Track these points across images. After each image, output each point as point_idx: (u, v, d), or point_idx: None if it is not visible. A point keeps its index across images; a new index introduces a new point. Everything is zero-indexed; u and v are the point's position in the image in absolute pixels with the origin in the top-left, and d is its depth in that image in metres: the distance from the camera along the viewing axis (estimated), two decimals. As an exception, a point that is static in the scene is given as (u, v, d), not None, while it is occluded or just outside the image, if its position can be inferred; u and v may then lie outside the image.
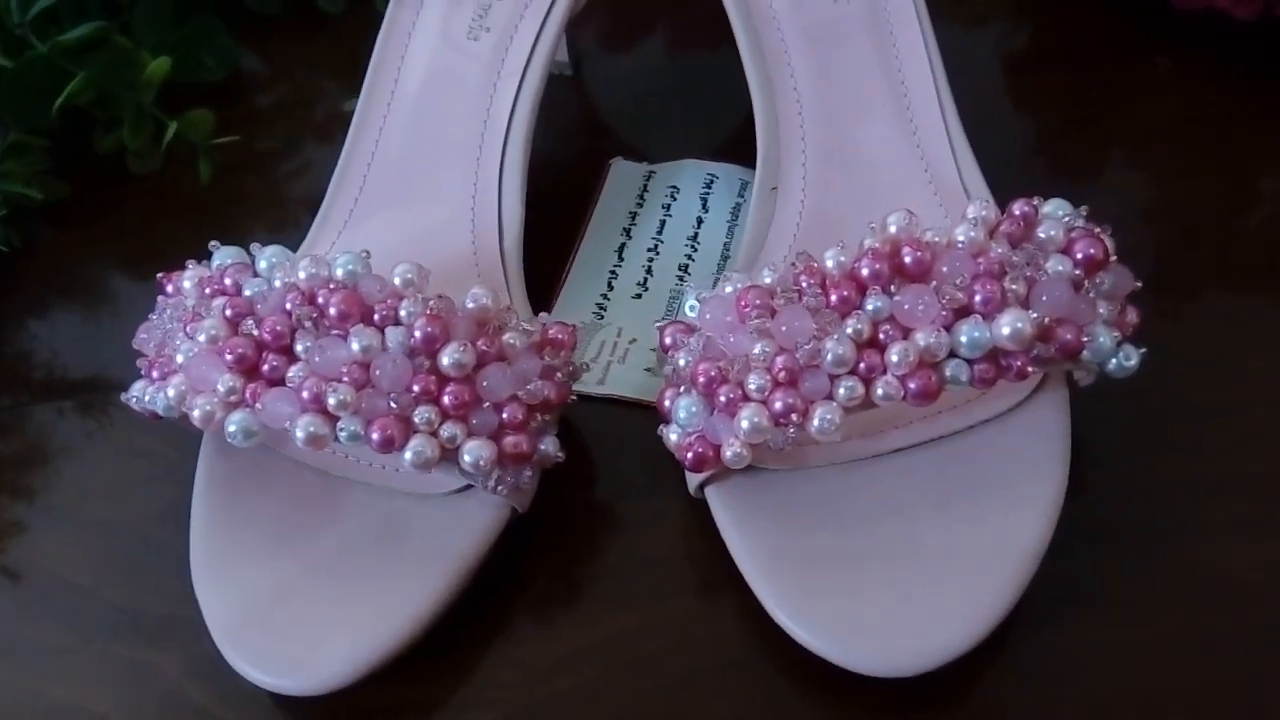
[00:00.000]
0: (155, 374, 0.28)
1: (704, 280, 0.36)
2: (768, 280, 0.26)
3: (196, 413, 0.27)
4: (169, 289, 0.30)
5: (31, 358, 0.39)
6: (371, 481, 0.29)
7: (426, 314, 0.26)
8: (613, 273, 0.36)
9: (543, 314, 0.29)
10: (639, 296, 0.36)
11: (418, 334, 0.26)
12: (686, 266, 0.36)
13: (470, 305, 0.27)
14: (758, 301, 0.26)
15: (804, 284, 0.26)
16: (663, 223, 0.38)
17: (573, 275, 0.37)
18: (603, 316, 0.35)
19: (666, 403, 0.27)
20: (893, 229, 0.26)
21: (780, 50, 0.35)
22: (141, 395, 0.29)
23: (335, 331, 0.27)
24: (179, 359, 0.27)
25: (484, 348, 0.27)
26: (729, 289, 0.27)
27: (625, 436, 0.33)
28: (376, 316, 0.27)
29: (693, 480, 0.28)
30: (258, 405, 0.26)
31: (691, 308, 0.27)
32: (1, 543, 0.32)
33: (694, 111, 0.44)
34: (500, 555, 0.29)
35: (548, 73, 0.36)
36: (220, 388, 0.27)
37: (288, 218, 0.43)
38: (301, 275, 0.27)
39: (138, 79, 0.40)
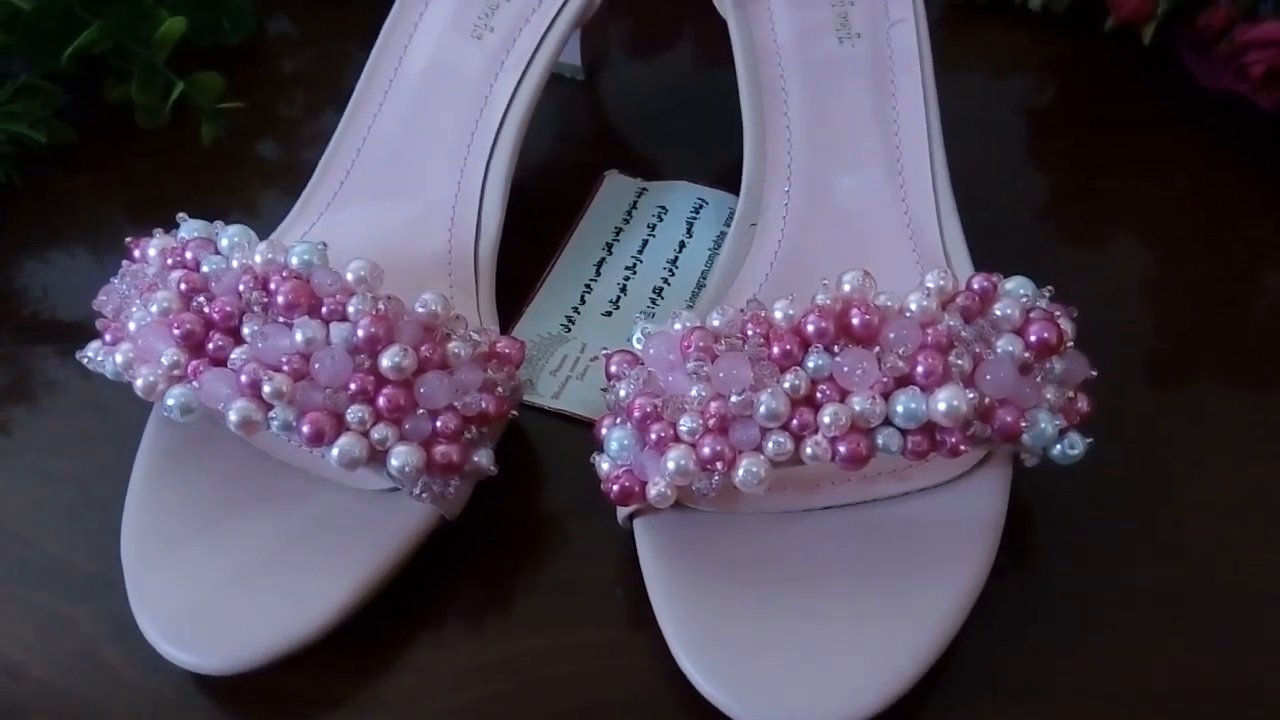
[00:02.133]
0: (108, 337, 0.28)
1: (676, 306, 0.35)
2: (716, 323, 0.26)
3: (139, 382, 0.27)
4: (135, 254, 0.30)
5: (21, 296, 0.40)
6: (309, 470, 0.29)
7: (373, 313, 0.26)
8: (587, 287, 0.36)
9: (490, 327, 0.29)
10: (609, 314, 0.35)
11: (361, 332, 0.26)
12: (661, 290, 0.36)
13: (419, 310, 0.27)
14: (700, 344, 0.26)
15: (749, 332, 0.26)
16: (645, 242, 0.37)
17: (548, 284, 0.37)
18: (569, 330, 0.35)
19: (602, 430, 0.27)
20: (846, 288, 0.26)
21: (779, 86, 0.34)
22: (95, 355, 0.29)
23: (282, 319, 0.27)
24: (131, 326, 0.28)
25: (427, 354, 0.27)
26: (677, 326, 0.27)
27: (573, 454, 0.33)
28: (324, 309, 0.27)
29: (621, 511, 0.28)
30: (195, 383, 0.26)
31: (638, 340, 0.27)
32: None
33: (703, 131, 0.44)
34: (427, 559, 0.29)
35: (545, 80, 0.36)
36: (164, 360, 0.27)
37: (291, 185, 0.42)
38: (258, 259, 0.28)
39: (151, 35, 0.41)
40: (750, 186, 0.33)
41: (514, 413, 0.29)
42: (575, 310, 0.36)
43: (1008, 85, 0.45)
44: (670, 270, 0.37)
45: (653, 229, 0.38)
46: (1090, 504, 0.31)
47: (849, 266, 0.29)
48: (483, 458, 0.28)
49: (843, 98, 0.34)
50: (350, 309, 0.27)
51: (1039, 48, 0.46)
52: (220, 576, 0.27)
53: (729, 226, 0.38)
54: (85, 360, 0.29)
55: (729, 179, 0.41)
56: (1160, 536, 0.30)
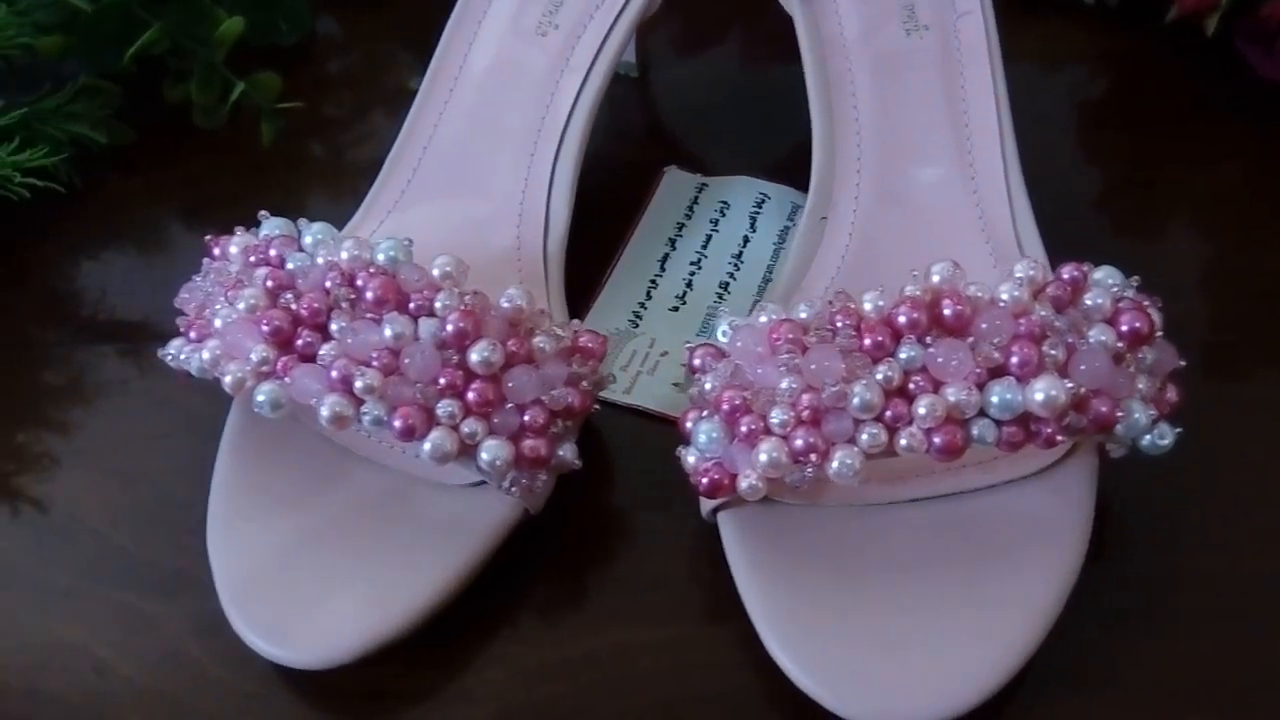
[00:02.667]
0: (193, 334, 0.28)
1: (743, 300, 0.35)
2: (803, 315, 0.26)
3: (228, 379, 0.27)
4: (215, 252, 0.30)
5: (80, 297, 0.40)
6: (391, 465, 0.29)
7: (461, 309, 0.27)
8: (653, 282, 0.36)
9: (575, 320, 0.29)
10: (676, 309, 0.35)
11: (450, 328, 0.26)
12: (727, 285, 0.36)
13: (505, 305, 0.27)
14: (790, 336, 0.26)
15: (839, 324, 0.26)
16: (709, 237, 0.37)
17: (612, 280, 0.37)
18: (637, 325, 0.35)
19: (688, 424, 0.27)
20: (935, 279, 0.26)
21: (846, 78, 0.34)
22: (178, 353, 0.29)
23: (370, 315, 0.27)
24: (217, 323, 0.28)
25: (513, 348, 0.27)
26: (763, 319, 0.27)
27: (646, 449, 0.33)
28: (412, 305, 0.27)
29: (706, 504, 0.28)
30: (287, 379, 0.27)
31: (724, 333, 0.27)
32: (28, 476, 0.33)
33: (755, 127, 0.44)
34: (507, 554, 0.29)
35: (611, 75, 0.36)
36: (253, 357, 0.27)
37: (345, 186, 0.43)
38: (344, 255, 0.28)
39: (210, 35, 0.41)
40: (820, 181, 0.33)
41: (595, 406, 0.29)
42: (642, 305, 0.36)
43: (1061, 78, 0.45)
44: (735, 265, 0.37)
45: (715, 224, 0.38)
46: (1161, 495, 0.30)
47: (921, 259, 0.29)
48: (567, 451, 0.28)
49: (911, 90, 0.34)
50: (437, 304, 0.27)
51: (1092, 41, 0.46)
52: (309, 572, 0.27)
53: (793, 221, 0.38)
54: (168, 358, 0.29)
55: (788, 173, 0.41)
56: (1237, 528, 0.30)
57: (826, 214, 0.33)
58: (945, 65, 0.34)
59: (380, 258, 0.28)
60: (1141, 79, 0.44)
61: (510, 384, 0.27)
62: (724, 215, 0.38)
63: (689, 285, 0.36)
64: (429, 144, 0.36)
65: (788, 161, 0.42)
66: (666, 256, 0.37)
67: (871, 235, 0.32)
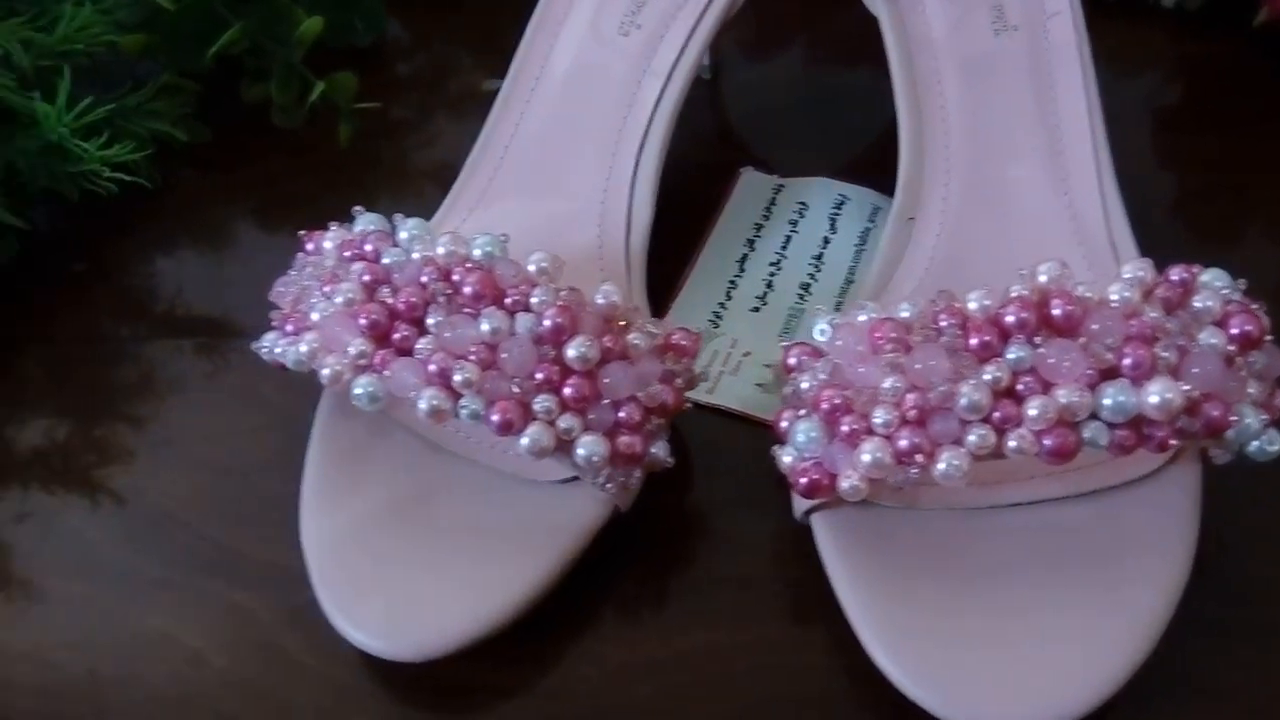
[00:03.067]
0: (289, 328, 0.29)
1: (825, 300, 0.35)
2: (905, 314, 0.26)
3: (325, 371, 0.27)
4: (309, 247, 0.30)
5: (156, 293, 0.40)
6: (480, 460, 0.29)
7: (558, 304, 0.27)
8: (732, 283, 0.36)
9: (668, 318, 0.29)
10: (757, 310, 0.35)
11: (547, 323, 0.26)
12: (808, 286, 0.36)
13: (600, 301, 0.27)
14: (894, 335, 0.25)
15: (943, 323, 0.25)
16: (788, 238, 0.37)
17: (691, 280, 0.36)
18: (717, 325, 0.35)
19: (784, 424, 0.27)
20: (1043, 278, 0.26)
21: (934, 79, 0.34)
22: (272, 346, 0.29)
23: (467, 310, 0.27)
24: (314, 316, 0.28)
25: (609, 344, 0.27)
26: (863, 318, 0.26)
27: (727, 449, 0.33)
28: (508, 300, 0.27)
29: (799, 505, 0.28)
30: (386, 372, 0.27)
31: (822, 332, 0.27)
32: (112, 470, 0.33)
33: (825, 129, 0.43)
34: (594, 552, 0.29)
35: (693, 76, 0.36)
36: (351, 350, 0.27)
37: (409, 188, 0.43)
38: (440, 251, 0.28)
39: (290, 35, 0.41)
40: (907, 181, 0.33)
41: (688, 404, 0.29)
42: (722, 305, 0.35)
43: (1137, 82, 0.44)
44: (816, 265, 0.36)
45: (794, 225, 0.38)
46: (1264, 502, 0.30)
47: (1012, 260, 0.29)
48: (660, 449, 0.28)
49: (1001, 91, 0.34)
50: (534, 300, 0.27)
51: (1169, 45, 0.45)
52: (405, 567, 0.27)
53: (873, 222, 0.38)
54: (262, 351, 0.30)
55: (860, 173, 0.40)
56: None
57: (914, 214, 0.33)
58: (1035, 66, 0.34)
59: (476, 253, 0.28)
60: (1227, 82, 0.43)
61: (606, 380, 0.27)
62: (803, 216, 0.38)
63: (769, 286, 0.36)
64: (510, 144, 0.36)
65: (861, 163, 0.42)
66: (745, 257, 0.37)
67: (961, 236, 0.32)
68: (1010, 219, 0.32)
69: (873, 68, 0.47)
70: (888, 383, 0.25)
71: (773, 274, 0.36)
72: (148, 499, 0.33)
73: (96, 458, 0.34)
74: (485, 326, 0.26)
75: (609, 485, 0.27)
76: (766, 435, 0.32)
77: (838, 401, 0.25)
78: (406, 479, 0.29)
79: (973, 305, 0.25)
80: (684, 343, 0.28)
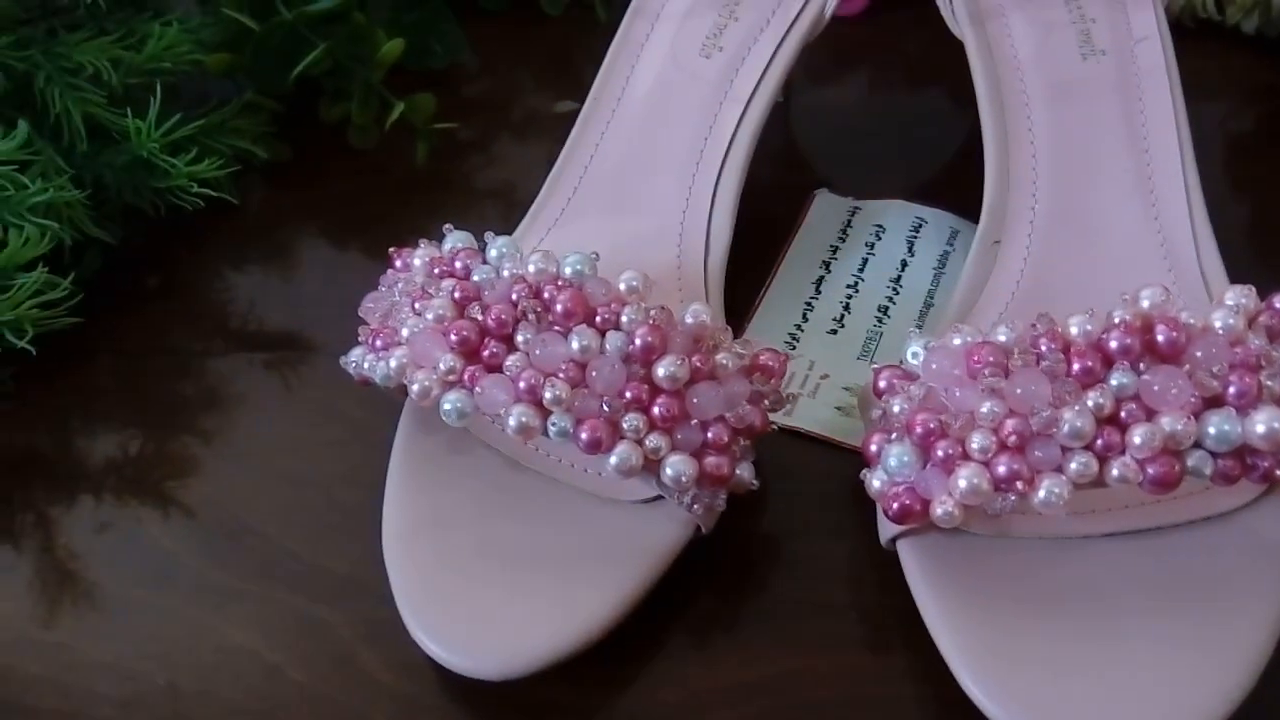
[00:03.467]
0: (378, 343, 0.29)
1: (903, 324, 0.35)
2: (1003, 338, 0.25)
3: (415, 387, 0.27)
4: (398, 264, 0.30)
5: (227, 307, 0.41)
6: (560, 478, 0.29)
7: (648, 323, 0.26)
8: (808, 304, 0.36)
9: (755, 339, 0.29)
10: (834, 332, 0.35)
11: (638, 342, 0.26)
12: (886, 309, 0.35)
13: (689, 320, 0.27)
14: (992, 359, 0.25)
15: (1044, 347, 0.25)
16: (865, 260, 0.37)
17: (766, 302, 0.36)
18: (794, 347, 0.35)
19: (873, 447, 0.26)
20: (1145, 304, 0.25)
21: (1021, 103, 0.34)
22: (360, 361, 0.29)
23: (556, 328, 0.27)
24: (404, 332, 0.28)
25: (698, 364, 0.27)
26: (958, 341, 0.26)
27: (805, 473, 0.32)
28: (598, 319, 0.27)
29: (887, 530, 0.28)
30: (476, 389, 0.27)
31: (915, 354, 0.27)
32: (188, 482, 0.34)
33: (898, 151, 0.43)
34: (673, 574, 0.29)
35: (774, 99, 0.36)
36: (441, 366, 0.27)
37: (474, 207, 0.44)
38: (531, 269, 0.28)
39: (371, 56, 0.42)
40: (993, 204, 0.33)
41: (774, 426, 0.29)
42: (798, 328, 0.35)
43: (1216, 107, 0.44)
44: (894, 289, 0.36)
45: (872, 247, 0.37)
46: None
47: (1101, 285, 0.28)
48: (745, 471, 0.27)
49: (1089, 115, 0.33)
50: (624, 318, 0.27)
51: (1248, 71, 0.45)
52: (485, 583, 0.27)
53: (952, 246, 0.37)
54: (350, 366, 0.30)
55: (933, 196, 0.40)
56: None
57: (1000, 239, 0.32)
58: (1123, 90, 0.34)
59: (567, 270, 0.28)
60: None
61: (695, 400, 0.26)
62: (880, 238, 0.38)
63: (846, 308, 0.36)
64: (590, 163, 0.36)
65: (936, 185, 0.42)
66: (821, 279, 0.37)
67: (1048, 261, 0.32)
68: (1098, 244, 0.32)
69: (943, 89, 0.47)
70: (986, 407, 0.24)
71: (850, 296, 0.36)
72: (225, 511, 0.33)
73: (171, 470, 0.34)
74: (575, 344, 0.26)
75: (695, 507, 0.27)
76: (845, 458, 0.32)
77: (932, 426, 0.25)
78: (488, 496, 0.29)
79: (1074, 329, 0.25)
80: (771, 364, 0.28)
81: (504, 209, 0.43)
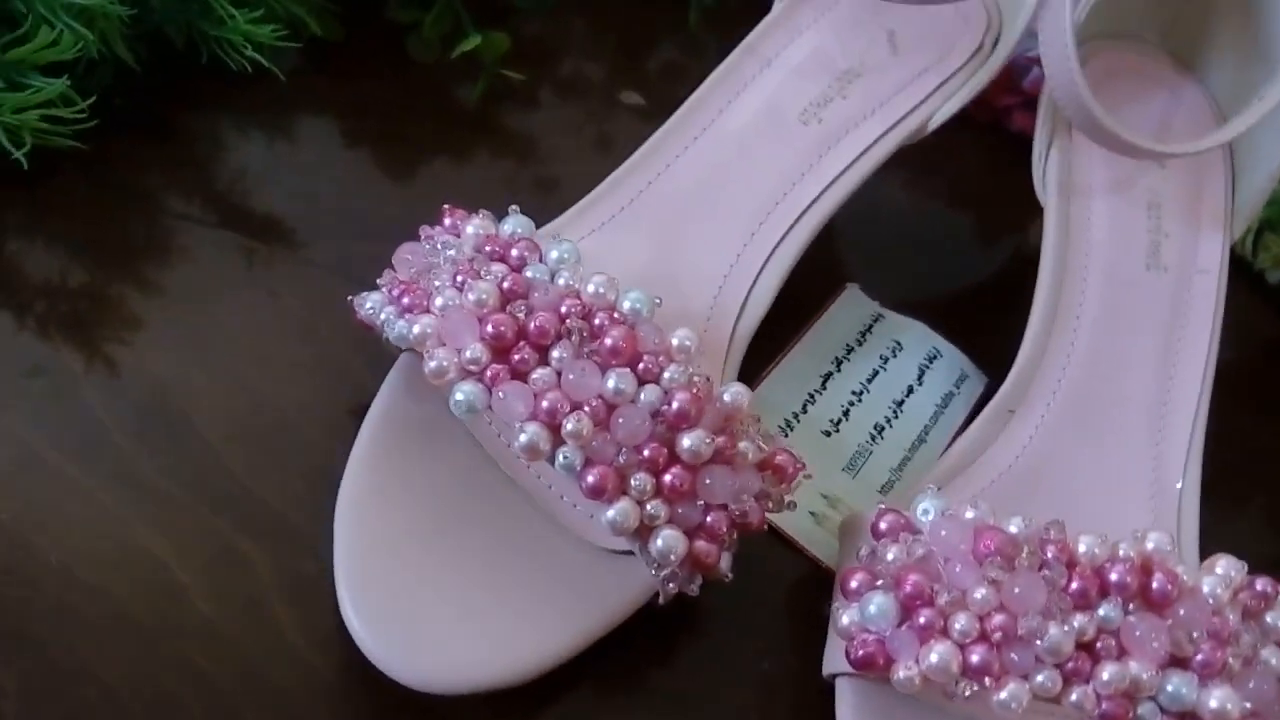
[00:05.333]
0: (405, 301, 0.27)
1: (893, 451, 0.35)
2: (1015, 530, 0.26)
3: (432, 364, 0.26)
4: (447, 222, 0.29)
5: (224, 177, 0.38)
6: (537, 498, 0.28)
7: (690, 391, 0.26)
8: (810, 398, 0.36)
9: (780, 435, 0.28)
10: (828, 434, 0.35)
11: (674, 405, 0.25)
12: (882, 429, 0.36)
13: (727, 399, 0.27)
14: (1002, 549, 0.25)
15: (1050, 554, 0.25)
16: (875, 373, 0.37)
17: (771, 379, 0.36)
18: (786, 435, 0.34)
19: (853, 584, 0.26)
20: (1150, 545, 0.26)
21: (1078, 288, 0.34)
22: (379, 309, 0.28)
23: (596, 359, 0.26)
24: (438, 301, 0.26)
25: (721, 444, 0.26)
26: (970, 514, 0.26)
27: (758, 566, 0.32)
28: (641, 365, 0.26)
29: (834, 662, 0.28)
30: (497, 392, 0.25)
31: (925, 511, 0.27)
32: (139, 353, 0.31)
33: (936, 268, 0.43)
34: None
35: (856, 188, 0.35)
36: (467, 353, 0.26)
37: (499, 165, 0.41)
38: (590, 288, 0.27)
39: (464, -26, 0.39)
40: (1020, 374, 0.33)
41: (766, 528, 0.28)
42: (795, 417, 0.35)
43: (1232, 356, 0.45)
44: (895, 412, 0.36)
45: (885, 362, 0.37)
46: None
47: (1089, 489, 0.29)
48: (725, 562, 0.27)
49: (1134, 323, 0.34)
50: (666, 375, 0.26)
51: (1259, 317, 0.47)
52: (436, 588, 0.26)
53: (957, 389, 0.38)
54: (365, 309, 0.28)
55: (955, 329, 0.40)
56: None
57: (1015, 409, 0.33)
58: (1172, 312, 0.34)
59: (626, 305, 0.27)
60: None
61: (708, 480, 0.26)
62: (895, 355, 0.38)
63: (845, 415, 0.36)
64: (656, 180, 0.35)
65: (960, 316, 0.41)
66: (830, 376, 0.37)
67: (1049, 448, 0.32)
68: (1101, 448, 0.33)
69: (996, 223, 0.47)
70: (980, 594, 0.25)
71: (852, 404, 0.36)
72: (171, 399, 0.30)
73: (121, 328, 0.32)
74: (611, 383, 0.25)
75: (670, 585, 0.26)
76: (801, 564, 0.32)
77: (923, 590, 0.25)
78: (459, 492, 0.28)
79: (1082, 548, 0.25)
80: (787, 466, 0.27)
81: (533, 177, 0.41)
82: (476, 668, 0.25)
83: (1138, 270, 0.35)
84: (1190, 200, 0.37)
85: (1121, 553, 0.26)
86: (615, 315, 0.26)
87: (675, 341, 0.27)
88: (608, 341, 0.26)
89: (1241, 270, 0.47)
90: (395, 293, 0.28)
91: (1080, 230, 0.35)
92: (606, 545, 0.28)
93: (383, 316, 0.27)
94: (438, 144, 0.41)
